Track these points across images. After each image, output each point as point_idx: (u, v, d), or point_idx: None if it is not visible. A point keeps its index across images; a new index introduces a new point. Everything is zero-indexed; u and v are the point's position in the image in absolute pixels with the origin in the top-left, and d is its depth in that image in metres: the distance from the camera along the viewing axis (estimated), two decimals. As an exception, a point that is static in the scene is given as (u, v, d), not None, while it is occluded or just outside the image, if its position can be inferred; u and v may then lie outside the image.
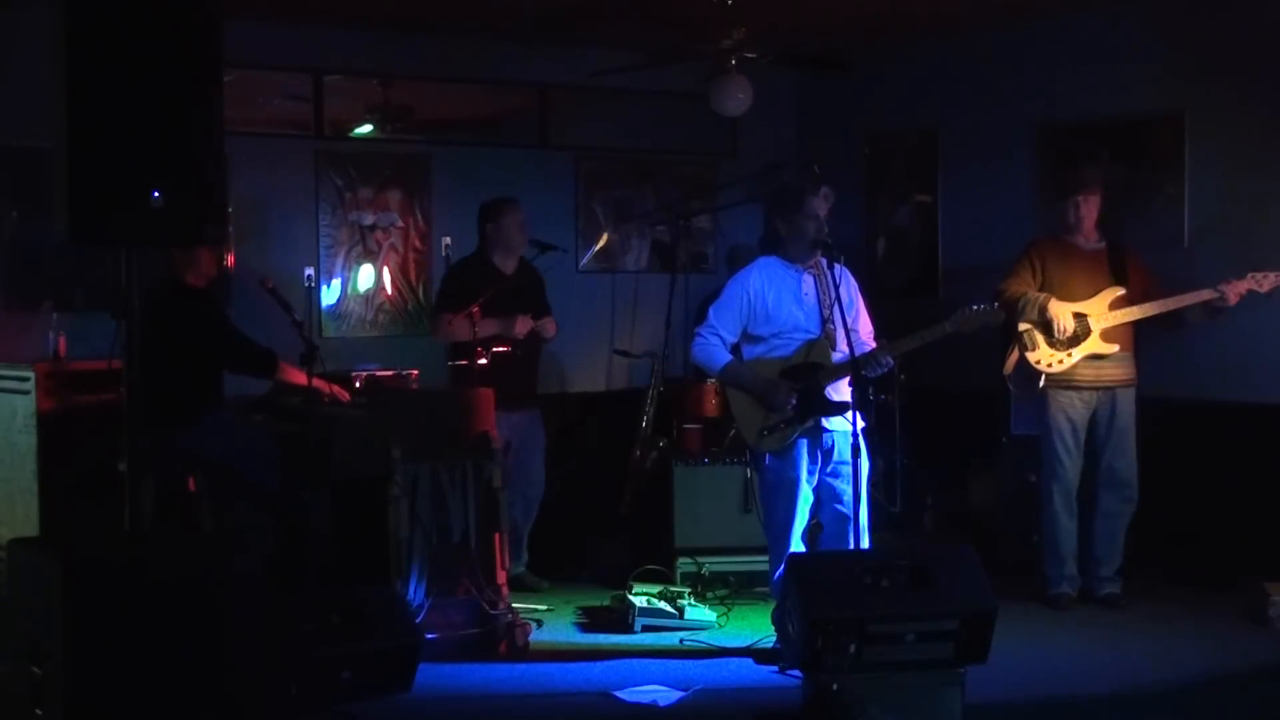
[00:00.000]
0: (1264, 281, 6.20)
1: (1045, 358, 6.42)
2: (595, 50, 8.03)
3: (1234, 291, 6.20)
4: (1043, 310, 6.36)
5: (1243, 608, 6.24)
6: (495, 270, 6.98)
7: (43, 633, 4.09)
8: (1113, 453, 6.46)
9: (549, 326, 7.02)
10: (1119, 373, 6.43)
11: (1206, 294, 6.23)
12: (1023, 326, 6.44)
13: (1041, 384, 6.46)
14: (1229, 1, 7.01)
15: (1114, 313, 6.38)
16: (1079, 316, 6.38)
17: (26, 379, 6.14)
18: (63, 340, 6.43)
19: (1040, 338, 6.42)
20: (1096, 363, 6.40)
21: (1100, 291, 6.41)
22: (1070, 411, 6.44)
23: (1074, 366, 6.39)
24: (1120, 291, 6.39)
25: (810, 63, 8.11)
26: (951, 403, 7.52)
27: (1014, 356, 6.54)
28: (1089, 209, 6.47)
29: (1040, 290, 6.44)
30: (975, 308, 5.63)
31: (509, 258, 7.03)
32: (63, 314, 6.76)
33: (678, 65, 7.43)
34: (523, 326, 6.82)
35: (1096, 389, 6.43)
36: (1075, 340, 6.38)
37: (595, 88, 8.00)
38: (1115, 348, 6.38)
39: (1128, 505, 6.48)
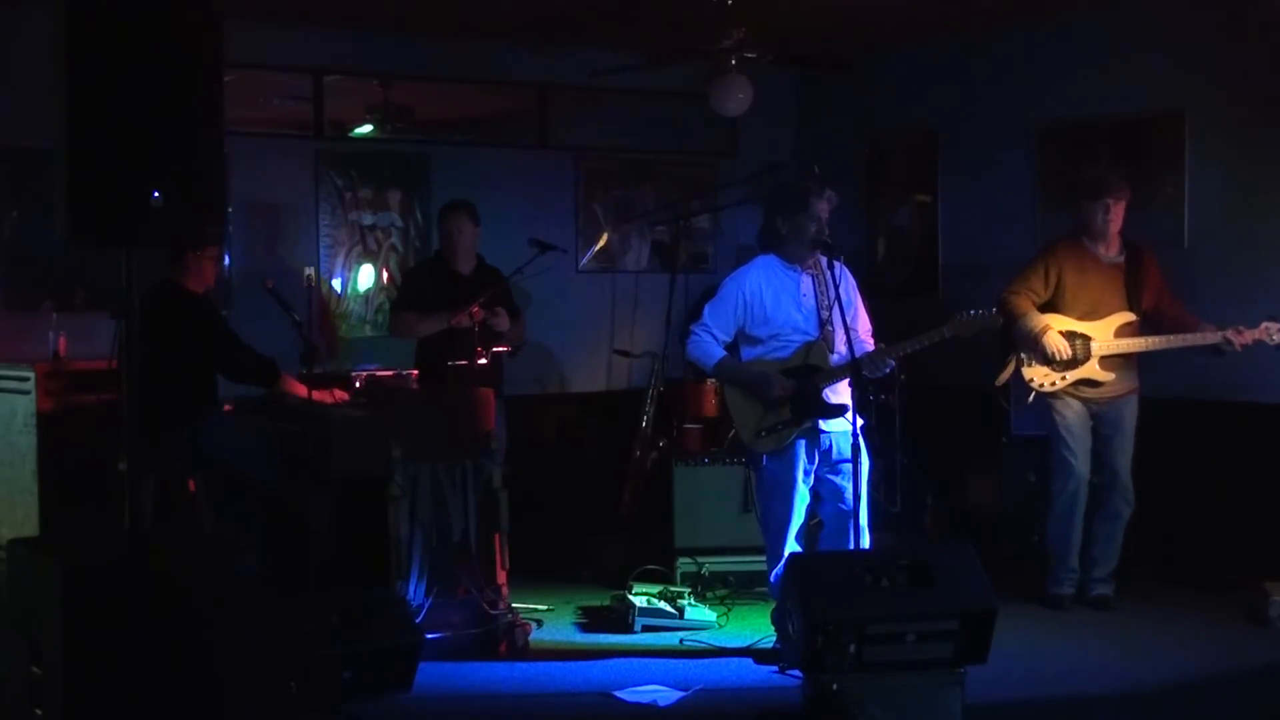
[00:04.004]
0: (1277, 334, 6.18)
1: (1039, 376, 6.41)
2: (595, 50, 8.03)
3: (1240, 341, 6.18)
4: (1036, 341, 6.33)
5: (1242, 608, 6.24)
6: (450, 271, 7.05)
7: (43, 633, 4.09)
8: (1115, 455, 6.45)
9: (501, 319, 6.86)
10: (1119, 387, 6.41)
11: (1213, 338, 6.22)
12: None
13: (1030, 399, 6.47)
14: (1229, 1, 7.01)
15: (1118, 340, 6.35)
16: (1081, 338, 6.36)
17: (26, 379, 6.14)
18: (63, 340, 6.43)
19: (1037, 359, 6.42)
20: (1091, 385, 6.40)
21: (1111, 315, 6.37)
22: (1075, 407, 6.44)
23: (1067, 386, 6.39)
24: (1130, 319, 6.36)
25: (810, 63, 8.11)
26: (951, 403, 7.52)
27: (1008, 370, 6.54)
28: (1117, 214, 6.40)
29: (1051, 298, 6.42)
30: (973, 313, 5.60)
31: (463, 259, 7.09)
32: (63, 314, 6.76)
33: (678, 65, 7.43)
34: (461, 319, 6.67)
35: (1098, 400, 6.43)
36: (1073, 363, 6.37)
37: (595, 88, 8.00)
38: (1111, 376, 6.36)
39: (1128, 507, 6.48)
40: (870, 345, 5.67)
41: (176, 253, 6.19)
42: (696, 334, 5.76)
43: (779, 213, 5.75)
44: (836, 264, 5.53)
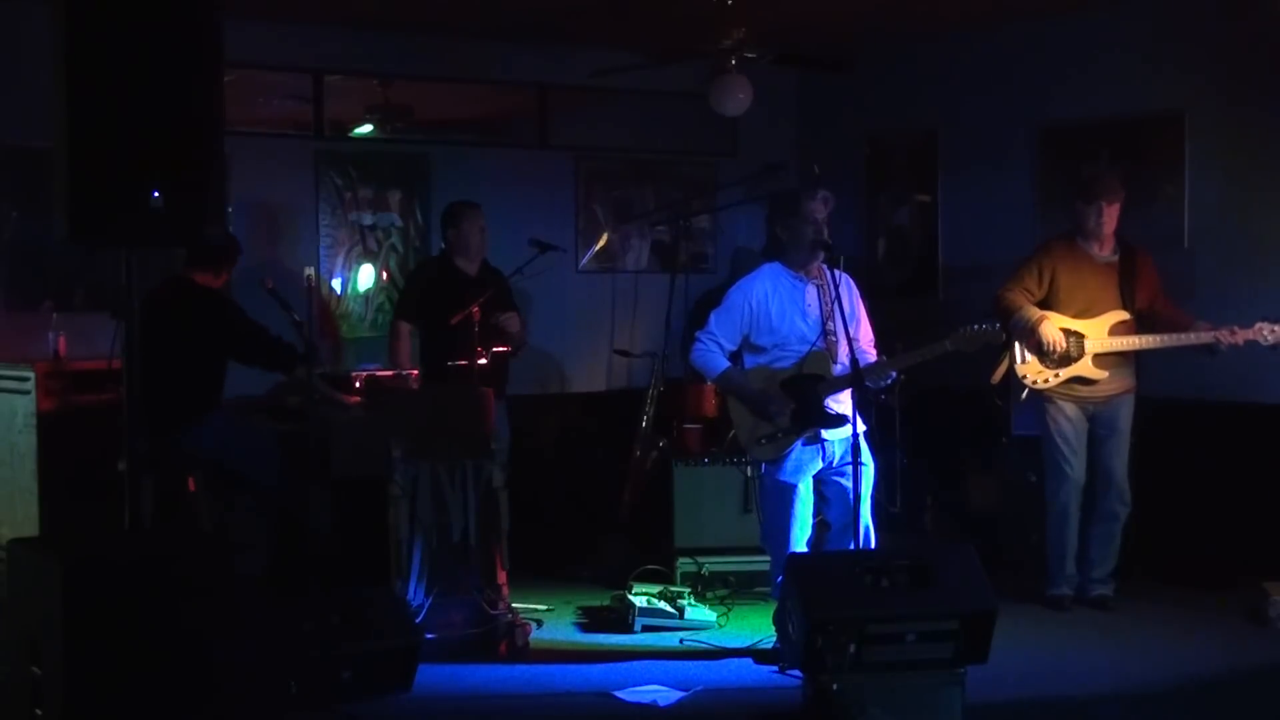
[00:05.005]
0: (1270, 335, 6.16)
1: (1033, 373, 6.40)
2: (595, 50, 8.02)
3: (1232, 341, 6.16)
4: (1032, 333, 6.32)
5: (1243, 608, 6.24)
6: (458, 272, 7.08)
7: (43, 633, 4.09)
8: (1111, 455, 6.44)
9: (512, 321, 6.97)
10: (1114, 386, 6.40)
11: (1206, 337, 6.20)
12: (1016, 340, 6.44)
13: (1024, 395, 6.46)
14: (1229, 2, 7.01)
15: (1112, 339, 6.33)
16: (1075, 335, 6.35)
17: (26, 379, 6.14)
18: (63, 340, 6.43)
19: (1032, 352, 6.41)
20: (1085, 384, 6.40)
21: (1105, 313, 6.35)
22: (1070, 411, 6.43)
23: (1061, 384, 6.38)
24: (1124, 317, 6.34)
25: (810, 63, 8.10)
26: (951, 403, 7.51)
27: (1003, 367, 6.54)
28: (1111, 216, 6.38)
29: (1045, 296, 6.42)
30: (976, 327, 5.61)
31: (471, 261, 7.13)
32: (63, 314, 6.76)
33: (678, 65, 7.43)
34: (456, 317, 6.67)
35: (1094, 399, 6.43)
36: (1067, 360, 6.36)
37: (595, 88, 8.00)
38: (1104, 375, 6.35)
39: (1124, 508, 6.47)
40: (872, 355, 5.68)
41: (215, 260, 6.21)
42: (701, 342, 5.77)
43: (776, 219, 5.81)
44: (839, 273, 5.55)
